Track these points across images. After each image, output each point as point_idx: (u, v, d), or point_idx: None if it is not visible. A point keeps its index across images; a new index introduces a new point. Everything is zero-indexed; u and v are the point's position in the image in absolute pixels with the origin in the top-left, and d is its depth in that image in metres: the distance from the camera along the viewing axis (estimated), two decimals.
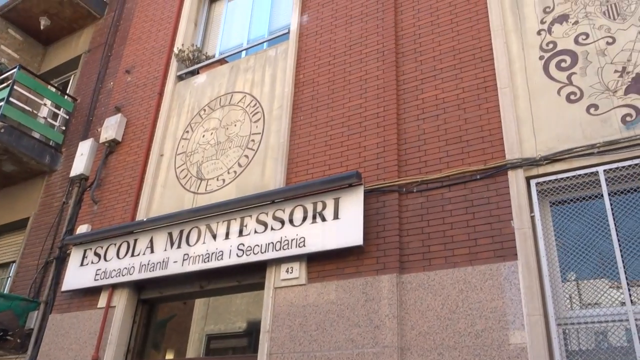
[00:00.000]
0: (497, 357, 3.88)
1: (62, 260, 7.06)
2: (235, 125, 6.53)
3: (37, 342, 6.55)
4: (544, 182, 4.33)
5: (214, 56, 7.76)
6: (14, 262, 8.02)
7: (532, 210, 4.25)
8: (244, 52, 7.43)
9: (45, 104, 8.77)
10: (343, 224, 4.88)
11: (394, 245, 4.66)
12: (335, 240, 4.85)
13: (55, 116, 8.90)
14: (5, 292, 7.46)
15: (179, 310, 7.09)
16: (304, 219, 5.12)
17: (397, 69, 5.52)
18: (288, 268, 5.09)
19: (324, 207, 5.06)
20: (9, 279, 7.87)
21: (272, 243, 5.19)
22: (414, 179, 4.88)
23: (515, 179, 4.39)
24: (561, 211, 4.32)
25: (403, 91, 5.39)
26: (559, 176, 4.27)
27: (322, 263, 4.95)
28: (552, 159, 4.31)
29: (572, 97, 4.47)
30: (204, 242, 5.69)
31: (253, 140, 6.23)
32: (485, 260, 4.24)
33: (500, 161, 4.53)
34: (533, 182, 4.35)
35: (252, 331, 5.87)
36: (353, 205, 4.90)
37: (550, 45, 4.79)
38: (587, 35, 4.65)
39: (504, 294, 4.04)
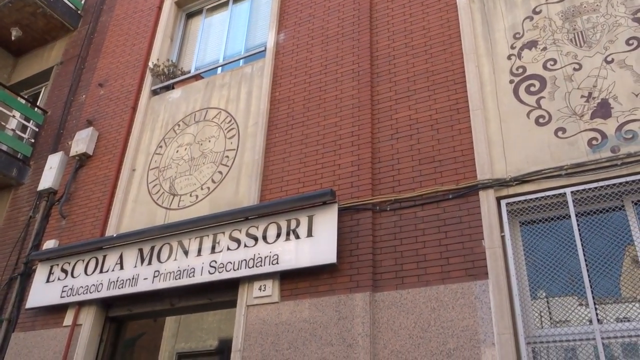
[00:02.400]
0: None
1: (27, 276, 6.85)
2: (209, 141, 6.50)
3: None
4: (514, 202, 4.43)
5: (189, 72, 7.74)
6: None
7: (502, 230, 4.33)
8: (219, 69, 7.43)
9: (14, 116, 8.59)
10: (317, 242, 4.88)
11: (367, 264, 4.68)
12: (309, 257, 4.85)
13: (24, 128, 8.71)
14: None
15: (148, 328, 6.94)
16: (278, 236, 5.11)
17: (372, 89, 5.60)
18: (261, 286, 5.05)
19: (298, 224, 5.06)
20: None
21: (245, 260, 5.15)
22: (387, 197, 4.93)
23: (487, 199, 4.47)
24: (530, 230, 4.42)
25: (377, 111, 5.47)
26: (528, 197, 4.37)
27: (296, 281, 4.93)
28: (521, 179, 4.42)
29: (541, 120, 4.60)
30: (175, 259, 5.61)
31: (227, 157, 6.20)
32: (457, 279, 4.29)
33: (471, 181, 4.61)
34: (503, 202, 4.45)
35: (224, 349, 5.79)
36: (327, 223, 4.92)
37: (520, 70, 4.93)
38: (555, 61, 4.81)
39: (475, 313, 4.09)
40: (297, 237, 5.00)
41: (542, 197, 4.34)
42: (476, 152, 4.72)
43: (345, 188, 5.18)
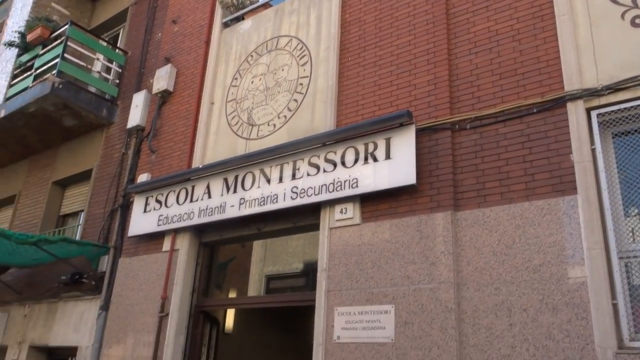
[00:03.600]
0: (556, 291, 3.88)
1: (126, 208, 7.43)
2: (282, 69, 6.52)
3: (110, 284, 7.02)
4: (606, 112, 4.15)
5: (257, 1, 7.67)
6: (82, 211, 8.51)
7: (592, 143, 4.10)
8: None
9: (98, 59, 8.99)
10: (395, 164, 4.88)
11: (447, 184, 4.64)
12: (388, 180, 4.88)
13: (108, 70, 9.12)
14: (77, 238, 7.94)
15: (238, 253, 7.40)
16: (356, 160, 5.15)
17: (446, 2, 5.31)
18: (342, 209, 5.17)
19: (376, 147, 5.07)
20: (79, 226, 8.37)
21: (325, 185, 5.27)
22: (467, 115, 4.78)
23: (575, 111, 4.23)
24: (624, 143, 4.15)
25: (453, 25, 5.21)
26: (622, 106, 4.08)
27: (376, 203, 5.00)
28: (615, 88, 4.11)
29: (638, 20, 4.20)
30: (258, 187, 5.84)
31: (301, 84, 6.22)
32: (542, 195, 4.17)
33: (558, 93, 4.35)
34: (594, 113, 4.18)
35: (309, 271, 6.08)
36: (405, 144, 4.88)
37: None
38: None
39: (562, 229, 3.99)
40: (375, 160, 5.02)
41: (639, 106, 4.03)
42: (563, 61, 4.42)
43: (423, 108, 5.07)
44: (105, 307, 6.90)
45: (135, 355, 6.29)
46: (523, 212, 4.20)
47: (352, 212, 5.10)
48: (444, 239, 4.47)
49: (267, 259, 7.19)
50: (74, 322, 7.37)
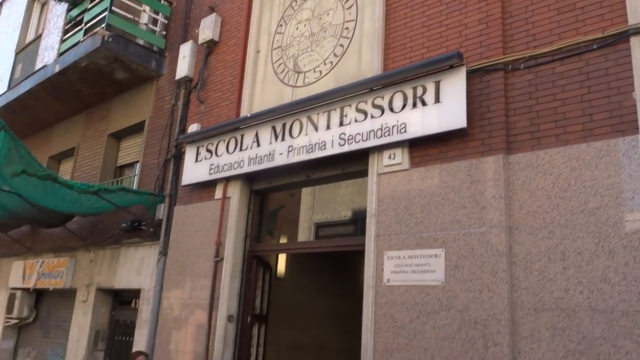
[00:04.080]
0: (612, 234, 3.79)
1: (179, 158, 7.65)
2: (327, 14, 6.39)
3: (167, 231, 7.33)
4: None
5: None
6: (137, 162, 8.82)
7: None
8: None
9: (144, 11, 9.05)
10: (445, 108, 4.78)
11: (499, 126, 4.52)
12: (437, 124, 4.79)
13: (155, 22, 9.19)
14: (134, 188, 8.28)
15: (287, 202, 7.54)
16: (404, 104, 5.07)
17: None
18: (390, 154, 5.15)
19: (424, 91, 4.96)
20: (136, 177, 8.70)
21: (373, 131, 5.24)
22: (521, 54, 4.58)
23: (639, 46, 3.98)
24: None
25: None
26: None
27: (425, 148, 4.94)
28: None
29: None
30: (306, 134, 5.87)
31: (347, 28, 6.09)
32: (601, 135, 4.00)
33: (621, 27, 4.09)
34: None
35: (357, 219, 6.14)
36: (455, 87, 4.75)
37: None
38: None
39: (621, 171, 3.85)
40: (424, 104, 4.93)
41: None
42: None
43: (474, 49, 4.89)
44: (163, 253, 7.24)
45: (193, 297, 6.64)
46: (579, 154, 4.06)
47: (400, 157, 5.07)
48: (495, 182, 4.40)
49: (315, 208, 7.29)
50: (135, 266, 7.80)
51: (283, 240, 7.53)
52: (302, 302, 8.73)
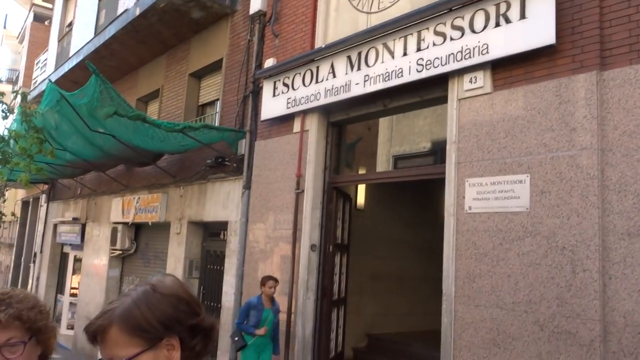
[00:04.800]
0: None
1: (257, 94, 7.76)
2: None
3: (249, 165, 7.58)
4: None
5: None
6: (217, 99, 9.06)
7: None
8: None
9: None
10: (531, 24, 4.45)
11: (593, 40, 4.16)
12: (523, 42, 4.49)
13: None
14: (216, 125, 8.55)
15: (364, 136, 7.50)
16: (486, 23, 4.77)
17: None
18: (471, 78, 4.92)
19: (508, 7, 4.63)
20: (217, 114, 8.97)
21: (453, 54, 5.00)
22: None
23: None
24: None
25: None
26: None
27: (509, 69, 4.67)
28: None
29: None
30: (382, 62, 5.72)
31: None
32: None
33: None
34: None
35: (437, 149, 6.02)
36: (542, 0, 4.39)
37: None
38: None
39: None
40: (508, 21, 4.61)
41: None
42: None
43: None
44: (247, 187, 7.53)
45: (277, 229, 6.91)
46: None
47: (482, 80, 4.83)
48: (587, 102, 4.11)
49: (393, 140, 7.20)
50: (222, 200, 8.19)
51: (362, 172, 7.56)
52: (382, 232, 8.83)
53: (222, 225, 8.27)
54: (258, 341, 6.02)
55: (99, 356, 1.19)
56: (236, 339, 6.08)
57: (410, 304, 9.13)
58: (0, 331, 1.49)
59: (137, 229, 10.98)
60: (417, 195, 9.07)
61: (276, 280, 6.14)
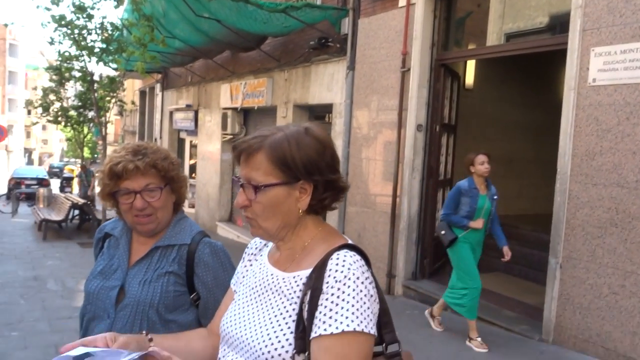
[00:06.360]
0: None
1: None
2: None
3: (353, 45, 7.41)
4: None
5: None
6: None
7: None
8: None
9: None
10: None
11: None
12: None
13: None
14: (318, 3, 8.33)
15: (474, 11, 6.95)
16: None
17: None
18: None
19: None
20: None
21: None
22: None
23: None
24: None
25: None
26: None
27: None
28: None
29: None
30: None
31: None
32: None
33: None
34: None
35: (555, 24, 5.48)
36: None
37: None
38: None
39: None
40: None
41: None
42: None
43: None
44: (351, 67, 7.42)
45: (381, 107, 6.85)
46: None
47: None
48: None
49: (505, 16, 6.61)
50: (326, 82, 8.19)
51: (471, 48, 7.12)
52: (491, 113, 8.47)
53: (327, 108, 8.35)
54: (471, 236, 4.83)
55: (236, 174, 1.25)
56: (443, 232, 4.89)
57: (519, 187, 8.91)
58: (140, 177, 1.67)
59: (246, 114, 11.43)
60: (530, 73, 8.46)
61: (488, 155, 4.93)
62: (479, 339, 4.74)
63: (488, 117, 8.42)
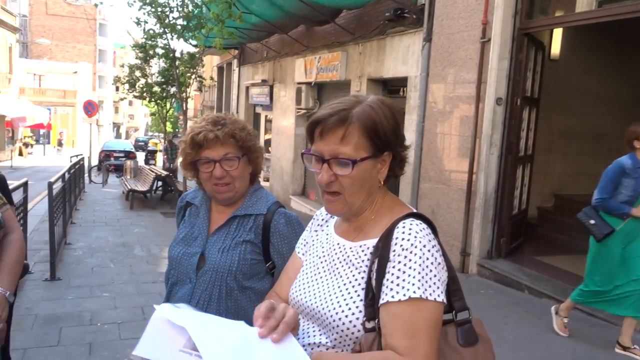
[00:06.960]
0: None
1: None
2: None
3: (430, 15, 7.16)
4: None
5: None
6: None
7: None
8: None
9: None
10: None
11: None
12: None
13: None
14: None
15: None
16: None
17: None
18: None
19: None
20: None
21: None
22: None
23: None
24: None
25: None
26: None
27: None
28: None
29: None
30: None
31: None
32: None
33: None
34: None
35: None
36: None
37: None
38: None
39: None
40: None
41: None
42: None
43: None
44: (428, 39, 7.20)
45: (457, 87, 6.62)
46: None
47: None
48: None
49: None
50: (401, 55, 8.01)
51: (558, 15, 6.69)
52: (578, 85, 7.97)
53: (402, 82, 8.19)
54: (630, 226, 3.86)
55: (305, 150, 1.23)
56: (592, 222, 3.94)
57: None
58: (219, 147, 1.72)
59: (320, 89, 11.45)
60: (624, 42, 7.84)
61: None
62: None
63: (575, 90, 7.94)
